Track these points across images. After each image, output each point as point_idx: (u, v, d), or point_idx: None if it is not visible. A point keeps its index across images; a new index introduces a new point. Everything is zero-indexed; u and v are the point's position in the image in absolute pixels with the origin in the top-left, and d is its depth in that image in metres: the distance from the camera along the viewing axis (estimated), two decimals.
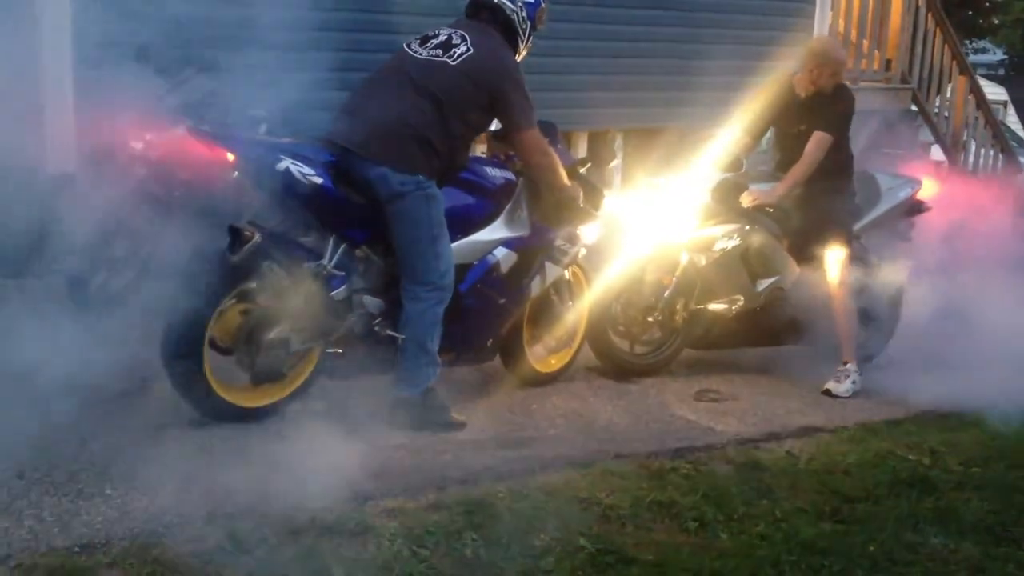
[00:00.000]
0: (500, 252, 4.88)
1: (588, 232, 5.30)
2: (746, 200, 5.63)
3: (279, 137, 4.78)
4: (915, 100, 11.40)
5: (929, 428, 5.32)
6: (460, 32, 4.65)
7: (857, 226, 5.98)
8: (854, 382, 5.78)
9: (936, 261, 6.45)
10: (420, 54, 4.60)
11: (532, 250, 5.01)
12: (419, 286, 4.49)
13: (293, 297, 4.30)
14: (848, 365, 5.81)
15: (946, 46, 11.54)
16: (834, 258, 5.75)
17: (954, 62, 11.69)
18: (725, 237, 5.70)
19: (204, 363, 4.25)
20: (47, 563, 3.20)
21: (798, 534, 3.87)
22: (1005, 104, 20.94)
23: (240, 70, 5.16)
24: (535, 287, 5.09)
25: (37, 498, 3.63)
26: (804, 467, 4.63)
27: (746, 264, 5.77)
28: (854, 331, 5.88)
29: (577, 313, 5.45)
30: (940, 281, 6.33)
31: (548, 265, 5.12)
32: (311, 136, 4.80)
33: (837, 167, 5.77)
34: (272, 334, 4.31)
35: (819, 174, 5.67)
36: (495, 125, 4.88)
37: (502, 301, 4.93)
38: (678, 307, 5.74)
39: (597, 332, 5.58)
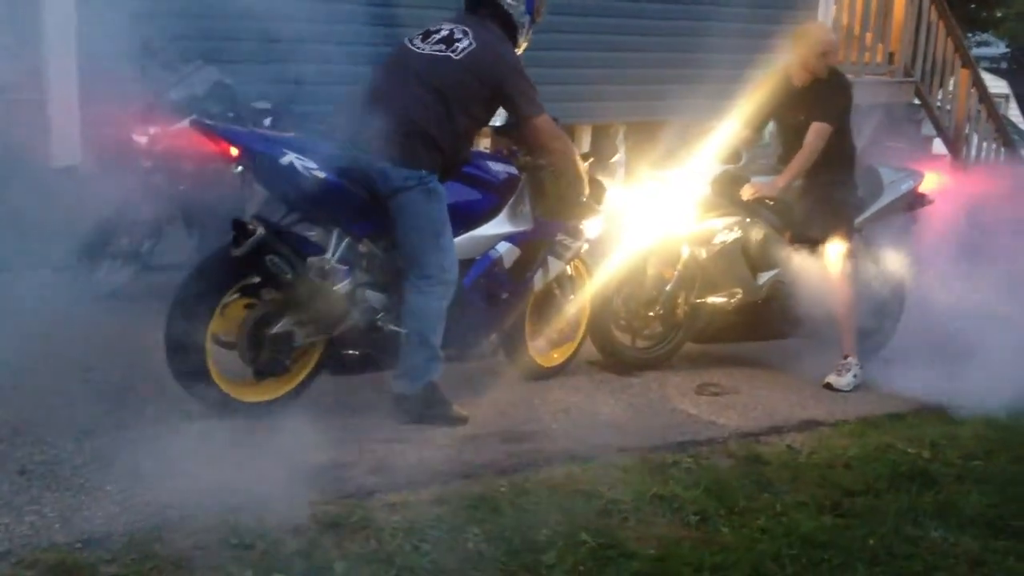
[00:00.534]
0: (503, 247, 4.88)
1: (590, 226, 5.30)
2: (747, 192, 5.62)
3: (283, 131, 4.79)
4: (918, 93, 11.39)
5: (930, 421, 5.33)
6: (462, 27, 4.64)
7: (859, 219, 5.96)
8: (855, 376, 5.78)
9: (941, 253, 6.45)
10: (423, 49, 4.59)
11: (535, 245, 5.01)
12: (422, 280, 4.49)
13: (296, 291, 4.30)
14: (849, 359, 5.81)
15: (949, 39, 11.52)
16: (835, 251, 5.73)
17: (957, 55, 11.67)
18: (725, 230, 5.69)
19: (207, 357, 4.24)
20: (48, 558, 3.19)
21: (799, 528, 3.87)
22: (1007, 98, 20.93)
23: (244, 63, 5.17)
24: (538, 282, 5.10)
25: (38, 493, 3.62)
26: (805, 461, 4.64)
27: (747, 257, 5.76)
28: (855, 324, 5.85)
29: (579, 307, 5.45)
30: (944, 273, 6.34)
31: (550, 260, 5.12)
32: (315, 130, 4.82)
33: (839, 159, 5.72)
34: (275, 328, 4.32)
35: (821, 166, 5.63)
36: (498, 120, 4.90)
37: (505, 296, 4.94)
38: (679, 301, 5.74)
39: (599, 326, 5.59)
